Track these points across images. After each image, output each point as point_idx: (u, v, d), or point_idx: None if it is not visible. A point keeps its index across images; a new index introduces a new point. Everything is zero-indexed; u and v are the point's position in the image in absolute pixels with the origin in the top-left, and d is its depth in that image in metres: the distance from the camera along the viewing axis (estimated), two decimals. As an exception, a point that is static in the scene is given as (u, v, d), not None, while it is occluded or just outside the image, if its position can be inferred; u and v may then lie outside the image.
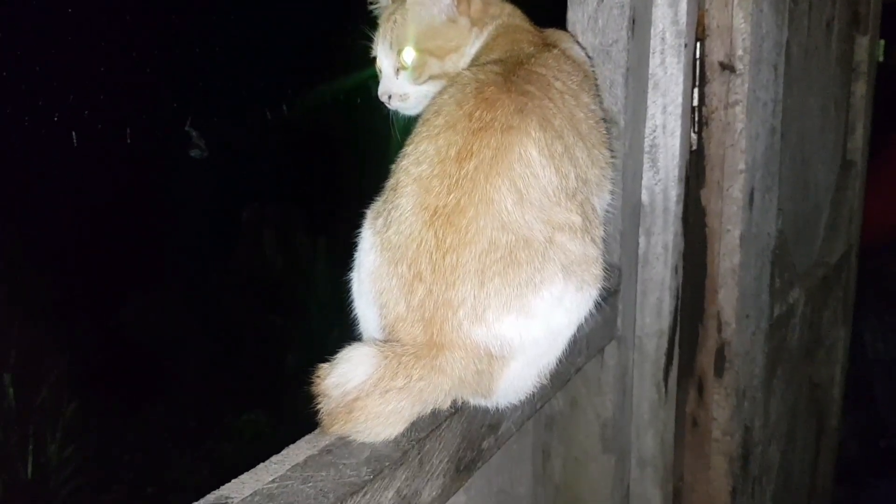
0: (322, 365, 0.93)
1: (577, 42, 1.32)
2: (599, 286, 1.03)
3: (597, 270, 1.02)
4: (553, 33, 1.29)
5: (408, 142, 1.02)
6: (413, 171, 0.96)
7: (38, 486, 3.92)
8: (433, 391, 0.90)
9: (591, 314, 1.04)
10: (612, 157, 1.16)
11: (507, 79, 1.02)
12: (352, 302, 1.05)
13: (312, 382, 0.92)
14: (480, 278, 0.91)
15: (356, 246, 1.04)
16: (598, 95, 1.24)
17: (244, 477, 0.81)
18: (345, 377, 0.89)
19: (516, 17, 1.26)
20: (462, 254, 0.91)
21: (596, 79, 1.28)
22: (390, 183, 1.00)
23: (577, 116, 1.07)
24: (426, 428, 0.93)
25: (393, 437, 0.89)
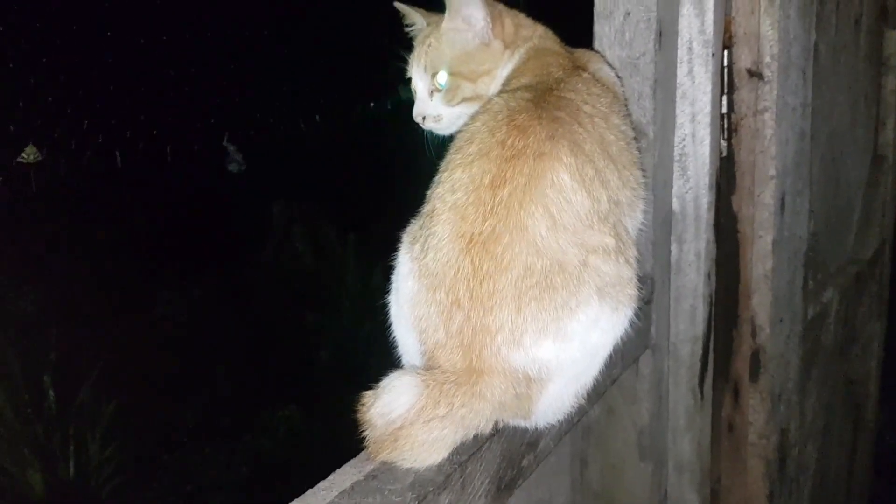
0: (366, 393, 0.95)
1: (607, 62, 1.33)
2: (634, 305, 1.05)
3: (631, 290, 1.04)
4: (583, 54, 1.30)
5: (442, 168, 1.04)
6: (448, 198, 0.99)
7: (80, 484, 4.02)
8: (475, 417, 0.93)
9: (626, 332, 1.07)
10: (644, 177, 1.17)
11: (537, 105, 1.04)
12: (390, 325, 1.08)
13: (357, 410, 0.94)
14: (517, 304, 0.93)
15: (393, 270, 1.06)
16: (629, 115, 1.25)
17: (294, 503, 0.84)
18: (389, 407, 0.92)
19: (547, 40, 1.28)
20: (499, 280, 0.93)
21: (626, 99, 1.29)
22: (426, 209, 1.03)
23: (607, 139, 1.08)
24: (467, 451, 0.95)
25: (438, 462, 0.91)
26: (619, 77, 1.32)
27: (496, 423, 0.98)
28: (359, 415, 0.94)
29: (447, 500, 0.91)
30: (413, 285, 0.99)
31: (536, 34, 1.27)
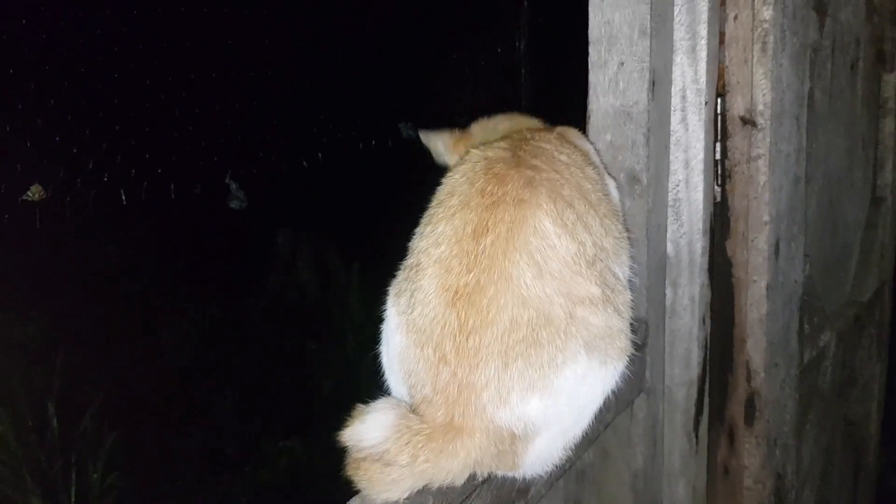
0: (357, 406, 0.98)
1: (585, 137, 1.37)
2: (626, 359, 1.05)
3: (622, 343, 1.03)
4: (560, 127, 1.34)
5: (424, 221, 1.06)
6: (433, 252, 1.00)
7: (81, 513, 4.00)
8: (438, 472, 0.92)
9: (617, 385, 1.07)
10: (627, 230, 1.18)
11: (514, 154, 1.07)
12: (383, 374, 1.09)
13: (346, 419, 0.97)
14: (504, 359, 0.93)
15: (383, 321, 1.07)
16: (605, 176, 1.27)
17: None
18: (359, 436, 0.94)
19: (521, 116, 1.34)
20: (484, 335, 0.93)
21: (602, 166, 1.32)
22: (410, 262, 1.04)
23: (585, 187, 1.10)
24: (457, 498, 0.96)
25: (392, 501, 0.92)
26: (594, 148, 1.36)
27: (476, 474, 0.99)
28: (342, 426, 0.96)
29: (436, 548, 0.91)
30: (401, 340, 1.00)
31: (505, 116, 1.33)
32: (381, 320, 1.08)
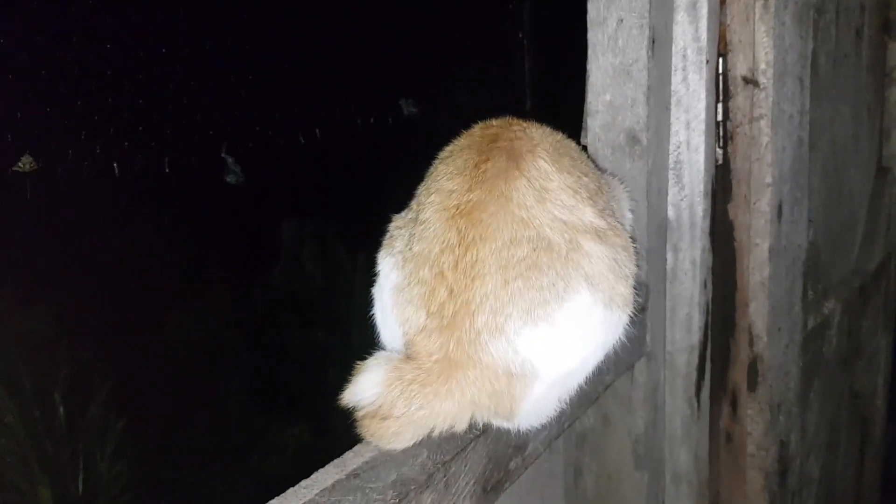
0: (356, 364, 0.97)
1: None
2: (630, 311, 1.02)
3: (626, 290, 1.00)
4: None
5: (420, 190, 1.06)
6: (433, 186, 1.00)
7: (89, 501, 4.02)
8: (435, 418, 0.91)
9: (619, 341, 1.05)
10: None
11: (508, 123, 1.08)
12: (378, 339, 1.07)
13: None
14: (503, 276, 0.91)
15: (374, 284, 1.06)
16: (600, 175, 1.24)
17: (274, 502, 0.84)
18: (355, 396, 0.94)
19: None
20: (483, 249, 0.91)
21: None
22: (408, 216, 1.04)
23: (572, 153, 1.09)
24: (452, 450, 0.94)
25: (400, 449, 0.92)
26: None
27: (476, 422, 0.97)
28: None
29: (429, 500, 0.90)
30: (397, 276, 0.99)
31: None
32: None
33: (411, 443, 0.92)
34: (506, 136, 1.01)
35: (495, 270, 0.91)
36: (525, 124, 1.07)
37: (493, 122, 1.08)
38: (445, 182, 0.98)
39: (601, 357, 1.03)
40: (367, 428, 0.93)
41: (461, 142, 1.06)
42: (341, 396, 0.96)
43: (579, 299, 0.94)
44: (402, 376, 0.92)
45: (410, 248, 0.98)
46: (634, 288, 1.06)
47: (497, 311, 0.90)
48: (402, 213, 1.07)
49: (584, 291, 0.94)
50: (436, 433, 0.93)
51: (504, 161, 0.97)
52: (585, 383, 1.05)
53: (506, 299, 0.90)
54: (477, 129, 1.06)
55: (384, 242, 1.06)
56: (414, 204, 1.04)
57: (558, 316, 0.92)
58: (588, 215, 0.98)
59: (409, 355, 0.95)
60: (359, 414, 0.93)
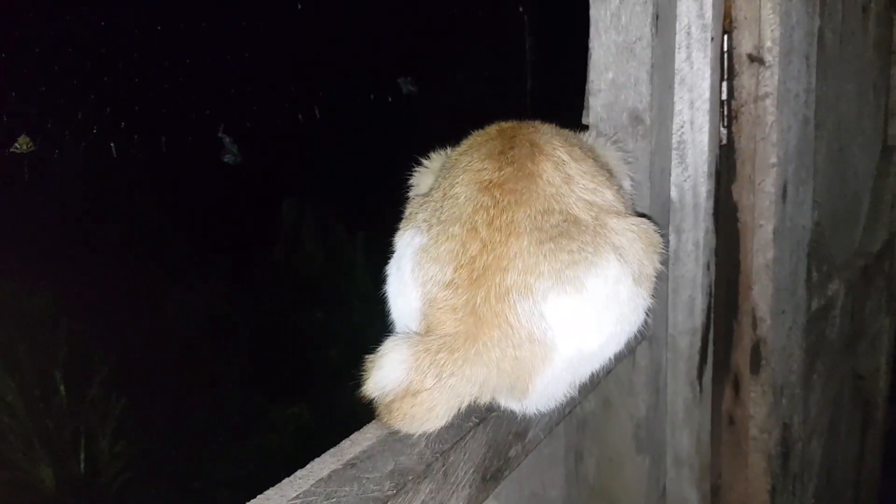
0: (366, 358, 0.96)
1: None
2: (651, 290, 1.02)
3: (651, 270, 1.01)
4: None
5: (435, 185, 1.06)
6: (459, 171, 1.02)
7: (90, 480, 4.04)
8: (466, 384, 0.90)
9: (640, 329, 1.04)
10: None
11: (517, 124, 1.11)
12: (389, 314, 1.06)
13: (360, 376, 0.95)
14: (538, 237, 0.92)
15: (390, 259, 1.05)
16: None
17: (269, 492, 0.83)
18: (381, 383, 0.92)
19: None
20: (518, 212, 0.93)
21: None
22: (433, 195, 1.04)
23: (581, 144, 1.11)
24: (451, 439, 0.93)
25: (436, 429, 0.91)
26: None
27: (481, 407, 0.96)
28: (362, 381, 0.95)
29: (428, 489, 0.88)
30: (422, 238, 0.98)
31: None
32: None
33: (444, 420, 0.91)
34: (522, 131, 1.04)
35: (530, 231, 0.92)
36: (535, 123, 1.10)
37: (504, 123, 1.11)
38: (475, 164, 1.00)
39: (622, 345, 1.02)
40: (396, 412, 0.91)
41: (477, 138, 1.09)
42: (364, 388, 0.94)
43: (609, 267, 0.94)
44: (428, 347, 0.91)
45: (438, 217, 0.98)
46: (657, 275, 1.05)
47: (528, 271, 0.91)
48: (420, 198, 1.07)
49: (613, 261, 0.95)
50: (463, 405, 0.92)
51: (529, 147, 1.00)
52: (599, 372, 1.04)
53: (538, 258, 0.91)
54: (492, 128, 1.10)
55: (403, 220, 1.06)
56: (436, 188, 1.04)
57: (587, 282, 0.92)
58: (609, 197, 1.01)
59: (427, 328, 0.94)
60: (386, 400, 0.91)
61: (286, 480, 0.86)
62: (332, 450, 0.91)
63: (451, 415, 0.91)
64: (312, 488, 0.83)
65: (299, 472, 0.87)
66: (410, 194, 1.15)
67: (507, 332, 0.90)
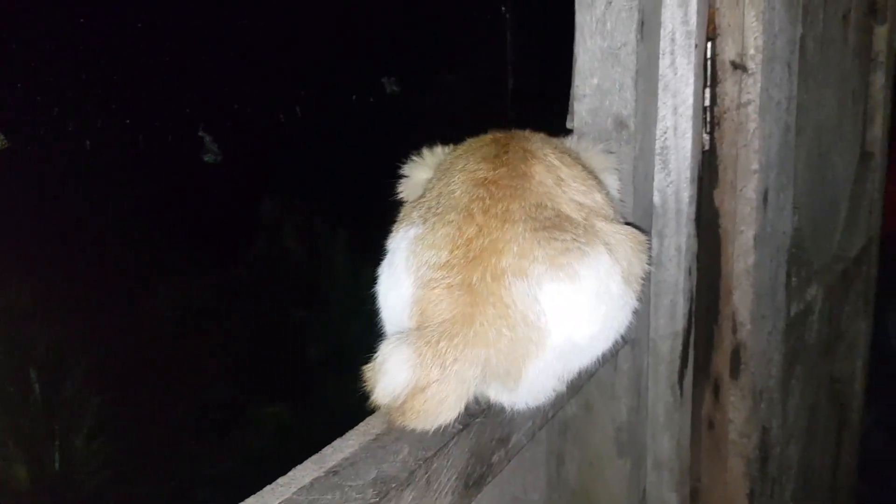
0: (364, 369, 0.96)
1: None
2: (638, 295, 1.04)
3: (639, 270, 1.04)
4: None
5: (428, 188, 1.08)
6: (454, 172, 1.04)
7: (66, 478, 3.99)
8: (470, 367, 0.91)
9: (627, 331, 1.06)
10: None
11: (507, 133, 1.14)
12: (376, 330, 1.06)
13: (363, 385, 0.96)
14: (532, 225, 0.94)
15: (383, 258, 1.05)
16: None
17: (250, 501, 0.82)
18: (388, 388, 0.92)
19: None
20: (513, 203, 0.95)
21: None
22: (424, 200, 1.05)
23: (570, 152, 1.13)
24: (434, 446, 0.92)
25: (451, 420, 0.92)
26: None
27: (472, 412, 0.96)
28: (367, 392, 0.95)
29: (411, 497, 0.88)
30: (417, 229, 0.99)
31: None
32: (368, 286, 1.06)
33: (456, 410, 0.92)
34: (516, 138, 1.08)
35: (525, 219, 0.94)
36: (526, 132, 1.14)
37: (498, 132, 1.13)
38: (470, 166, 1.03)
39: (610, 342, 1.04)
40: (409, 412, 0.91)
41: (472, 144, 1.11)
42: (374, 398, 0.94)
43: (601, 260, 0.96)
44: (428, 340, 0.91)
45: (434, 211, 1.00)
46: (644, 277, 1.06)
47: (523, 255, 0.92)
48: (412, 202, 1.08)
49: (605, 255, 0.97)
50: (471, 392, 0.92)
51: (522, 152, 1.03)
52: (587, 368, 1.05)
53: (533, 243, 0.93)
54: (486, 136, 1.12)
55: (396, 223, 1.07)
56: (430, 190, 1.06)
57: (581, 271, 0.93)
58: (599, 200, 1.04)
59: (421, 314, 0.94)
60: (398, 402, 0.91)
61: (267, 488, 0.85)
62: (314, 456, 0.91)
63: (463, 403, 0.92)
64: (294, 496, 0.83)
65: (280, 480, 0.86)
66: (401, 185, 1.17)
67: (503, 310, 0.91)
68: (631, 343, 1.44)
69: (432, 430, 0.92)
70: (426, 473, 0.90)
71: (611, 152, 1.25)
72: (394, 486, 0.85)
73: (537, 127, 1.24)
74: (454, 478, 0.96)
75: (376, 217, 1.13)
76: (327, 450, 0.92)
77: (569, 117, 1.45)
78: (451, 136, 1.19)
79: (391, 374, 0.92)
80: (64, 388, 4.10)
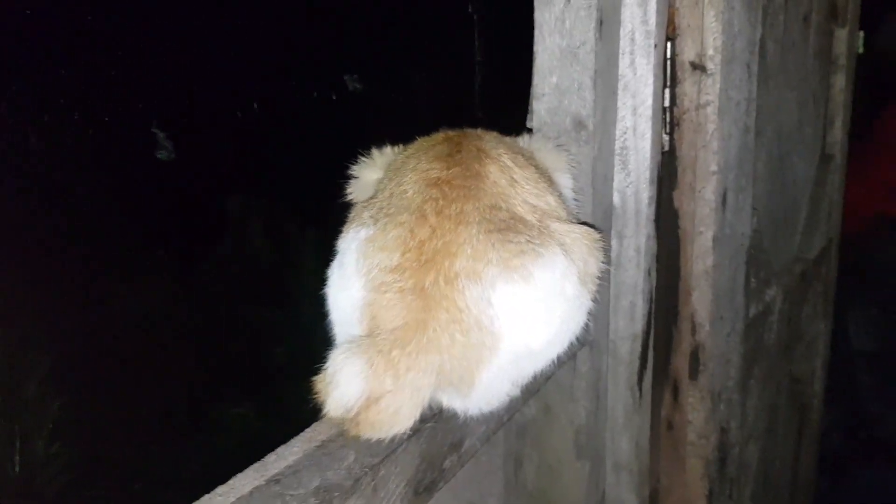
0: (315, 380, 0.93)
1: None
2: (594, 295, 1.02)
3: (594, 270, 1.02)
4: None
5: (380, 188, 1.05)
6: (407, 171, 1.02)
7: (26, 482, 3.90)
8: (424, 375, 0.89)
9: (582, 332, 1.04)
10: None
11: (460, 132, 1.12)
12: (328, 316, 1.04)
13: (313, 397, 0.93)
14: (486, 227, 0.92)
15: (334, 258, 1.02)
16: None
17: (187, 510, 0.79)
18: (342, 401, 0.89)
19: None
20: (467, 204, 0.93)
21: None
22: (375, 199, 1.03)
23: (524, 152, 1.12)
24: (381, 453, 0.90)
25: (407, 428, 0.90)
26: None
27: (423, 416, 0.94)
28: (319, 404, 0.93)
29: (356, 505, 0.86)
30: (367, 231, 0.97)
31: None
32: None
33: (411, 420, 0.90)
34: (468, 137, 1.06)
35: (479, 221, 0.92)
36: (478, 131, 1.11)
37: (450, 131, 1.11)
38: (422, 165, 1.01)
39: (566, 345, 1.02)
40: (363, 423, 0.89)
41: (423, 143, 1.09)
42: (326, 411, 0.91)
43: (556, 261, 0.95)
44: (380, 349, 0.88)
45: (385, 212, 0.97)
46: (599, 277, 1.05)
47: (477, 257, 0.90)
48: (363, 202, 1.05)
49: (560, 255, 0.95)
50: (426, 402, 0.91)
51: (475, 152, 1.01)
52: (542, 372, 1.03)
53: (487, 245, 0.91)
54: (438, 135, 1.10)
55: (346, 223, 1.04)
56: (382, 190, 1.03)
57: (535, 272, 0.91)
58: (552, 202, 1.02)
59: (372, 319, 0.92)
60: (351, 415, 0.89)
61: (205, 497, 0.82)
62: (255, 464, 0.88)
63: (418, 411, 0.90)
64: (233, 506, 0.80)
65: (220, 489, 0.83)
66: (350, 186, 1.13)
67: (456, 315, 0.89)
68: (590, 345, 1.43)
69: (385, 437, 0.90)
70: (373, 481, 0.88)
71: (564, 150, 1.24)
72: (337, 494, 0.82)
73: (506, 127, 1.23)
74: (403, 485, 0.94)
75: (339, 216, 1.10)
76: (270, 457, 0.89)
77: (529, 116, 1.44)
78: (416, 134, 1.17)
79: (343, 386, 0.89)
80: (24, 390, 4.02)
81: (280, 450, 0.90)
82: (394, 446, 0.91)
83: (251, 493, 0.82)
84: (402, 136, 1.18)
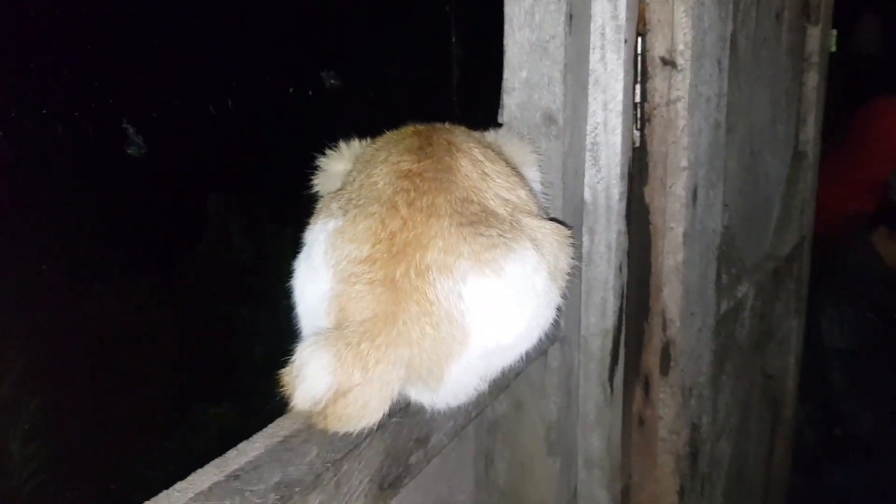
0: (282, 373, 0.92)
1: None
2: (563, 291, 1.02)
3: (564, 265, 1.01)
4: None
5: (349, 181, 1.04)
6: (377, 163, 1.00)
7: (1, 482, 3.85)
8: (393, 368, 0.88)
9: (551, 328, 1.03)
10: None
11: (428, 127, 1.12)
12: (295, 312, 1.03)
13: (281, 389, 0.93)
14: (458, 220, 0.91)
15: (300, 251, 1.01)
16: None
17: (144, 506, 0.78)
18: (309, 394, 0.88)
19: None
20: (438, 196, 0.93)
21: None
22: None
23: (493, 146, 1.12)
24: (344, 448, 0.89)
25: (376, 421, 0.90)
26: None
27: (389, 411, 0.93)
28: (286, 398, 0.92)
29: (318, 501, 0.84)
30: (336, 222, 0.95)
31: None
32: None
33: (380, 414, 0.89)
34: (438, 131, 1.06)
35: (450, 213, 0.92)
36: (448, 125, 1.11)
37: (419, 125, 1.10)
38: (393, 157, 0.99)
39: (535, 340, 1.02)
40: (331, 416, 0.88)
41: (393, 136, 1.08)
42: (293, 404, 0.90)
43: (527, 255, 0.94)
44: (349, 342, 0.87)
45: (354, 203, 0.96)
46: (569, 273, 1.05)
47: (448, 250, 0.89)
48: (331, 194, 1.04)
49: (531, 250, 0.95)
50: (395, 395, 0.90)
51: (446, 145, 1.01)
52: (511, 367, 1.03)
53: (458, 239, 0.90)
54: (407, 128, 1.09)
55: (313, 215, 1.02)
56: (351, 182, 1.02)
57: (506, 266, 0.91)
58: (523, 196, 1.02)
59: (340, 311, 0.90)
60: (319, 408, 0.88)
61: (162, 494, 0.81)
62: (216, 460, 0.87)
63: (387, 405, 0.89)
64: (191, 502, 0.79)
65: (178, 485, 0.82)
66: (316, 178, 1.12)
67: (426, 308, 0.88)
68: (561, 341, 1.42)
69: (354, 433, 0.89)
70: (335, 476, 0.87)
71: (532, 144, 1.23)
72: (298, 490, 0.81)
73: (485, 122, 1.23)
74: (367, 480, 0.93)
75: (309, 211, 1.09)
76: (231, 453, 0.88)
77: (500, 111, 1.43)
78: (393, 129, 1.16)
79: (310, 379, 0.88)
80: (-2, 389, 3.96)
81: (241, 445, 0.89)
82: (357, 441, 0.91)
83: (210, 488, 0.80)
84: (380, 132, 1.17)
